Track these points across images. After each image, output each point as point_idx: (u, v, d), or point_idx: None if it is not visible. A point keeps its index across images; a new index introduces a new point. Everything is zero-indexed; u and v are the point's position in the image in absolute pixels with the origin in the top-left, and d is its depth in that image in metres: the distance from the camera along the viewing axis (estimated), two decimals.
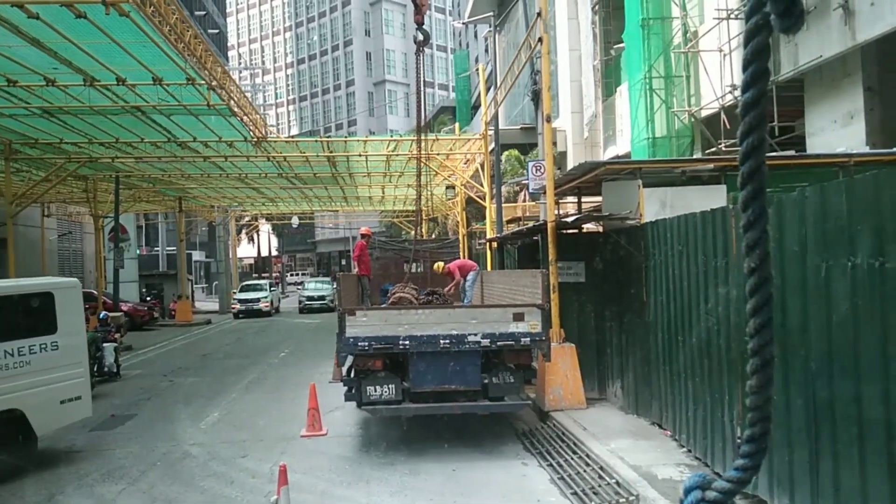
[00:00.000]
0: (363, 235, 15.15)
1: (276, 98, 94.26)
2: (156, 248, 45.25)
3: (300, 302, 35.08)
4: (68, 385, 8.97)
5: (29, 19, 9.72)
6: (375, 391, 8.67)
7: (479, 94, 21.39)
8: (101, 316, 16.14)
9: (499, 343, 8.62)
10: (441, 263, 13.45)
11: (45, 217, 28.33)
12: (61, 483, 8.01)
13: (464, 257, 18.63)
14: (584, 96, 22.50)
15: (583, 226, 12.12)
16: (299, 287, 42.48)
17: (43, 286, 9.32)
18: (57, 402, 8.80)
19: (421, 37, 10.98)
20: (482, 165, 19.95)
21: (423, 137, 13.80)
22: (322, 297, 34.33)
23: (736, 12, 12.87)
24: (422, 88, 11.41)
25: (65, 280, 10.02)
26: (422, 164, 14.16)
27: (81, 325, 9.59)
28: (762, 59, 1.05)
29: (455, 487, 7.39)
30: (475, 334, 8.58)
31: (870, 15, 9.57)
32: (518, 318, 8.67)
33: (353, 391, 8.96)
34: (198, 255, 50.34)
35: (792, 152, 11.51)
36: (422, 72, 11.31)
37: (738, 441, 6.09)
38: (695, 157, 14.03)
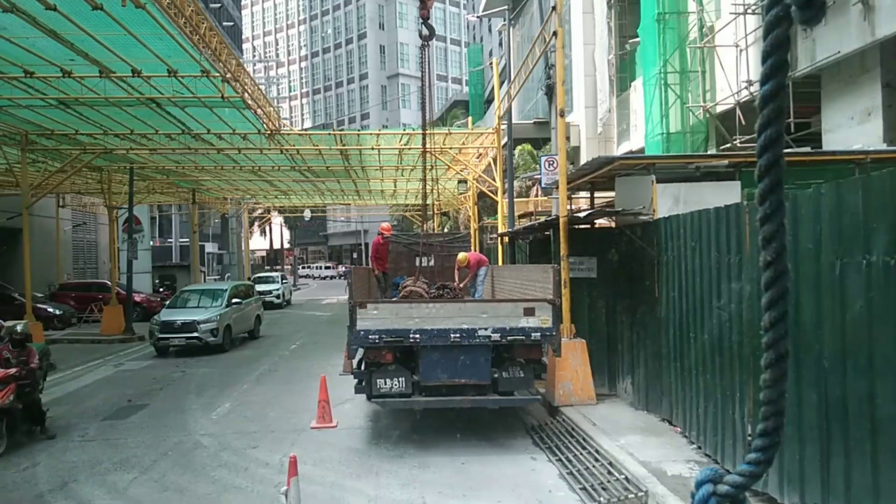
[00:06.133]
0: (383, 232, 14.68)
1: (290, 91, 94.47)
2: (169, 240, 45.55)
3: (150, 334, 18.34)
4: None
5: (46, 10, 9.78)
6: (386, 384, 8.70)
7: (493, 89, 21.32)
8: None
9: (509, 338, 8.62)
10: (465, 254, 13.36)
11: (60, 208, 28.56)
12: (74, 471, 8.10)
13: (475, 251, 18.60)
14: (599, 91, 22.38)
15: (595, 221, 12.08)
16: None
17: None
18: None
19: (426, 31, 10.96)
20: (495, 160, 19.91)
21: (432, 132, 13.75)
22: (192, 326, 17.53)
23: (753, 7, 12.74)
24: (427, 84, 11.41)
25: None
26: (434, 159, 14.12)
27: None
28: (782, 51, 1.05)
29: (464, 481, 7.41)
30: (486, 329, 8.58)
31: (890, 10, 9.44)
32: (529, 312, 8.67)
33: (364, 384, 9.00)
34: (210, 247, 50.56)
35: (808, 149, 11.40)
36: (426, 67, 11.30)
37: (749, 438, 6.07)
38: (709, 152, 13.93)
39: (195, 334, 17.51)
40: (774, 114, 1.07)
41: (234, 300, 19.44)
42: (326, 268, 77.22)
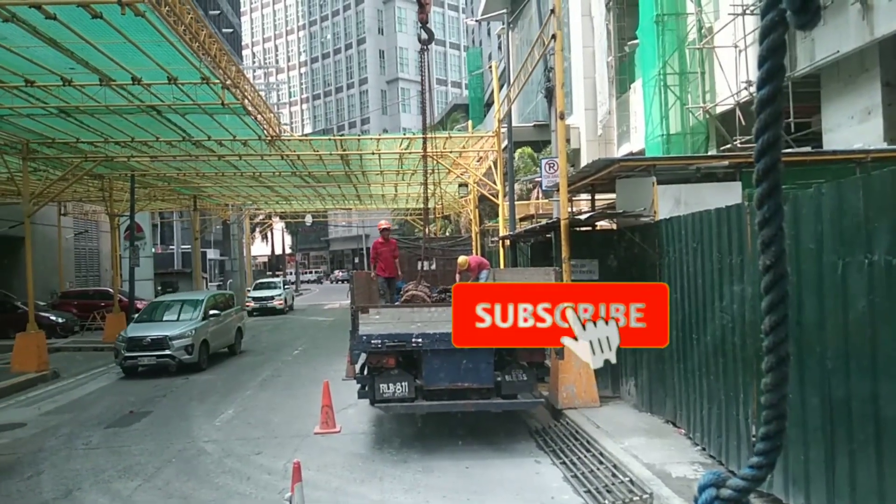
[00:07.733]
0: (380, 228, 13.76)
1: (290, 97, 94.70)
2: (171, 247, 45.68)
3: (116, 353, 16.37)
4: None
5: (46, 20, 9.81)
6: (388, 389, 8.69)
7: (493, 92, 21.35)
8: None
9: None
10: (466, 258, 13.29)
11: (62, 216, 28.60)
12: (78, 479, 8.10)
13: (476, 255, 18.60)
14: (598, 93, 22.38)
15: (596, 223, 12.08)
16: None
17: None
18: None
19: (425, 36, 10.97)
20: (495, 163, 19.93)
21: (433, 136, 13.73)
22: (163, 343, 15.64)
23: (751, 8, 12.75)
24: (427, 88, 11.41)
25: None
26: (434, 162, 14.11)
27: None
28: (778, 56, 1.05)
29: (468, 485, 7.40)
30: None
31: (889, 9, 9.44)
32: None
33: (367, 389, 8.99)
34: (212, 254, 50.65)
35: (808, 149, 11.40)
36: (426, 71, 11.31)
37: (753, 439, 6.05)
38: (710, 153, 13.93)
39: (167, 352, 15.54)
40: (771, 118, 1.07)
41: (212, 312, 17.45)
42: (316, 272, 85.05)
